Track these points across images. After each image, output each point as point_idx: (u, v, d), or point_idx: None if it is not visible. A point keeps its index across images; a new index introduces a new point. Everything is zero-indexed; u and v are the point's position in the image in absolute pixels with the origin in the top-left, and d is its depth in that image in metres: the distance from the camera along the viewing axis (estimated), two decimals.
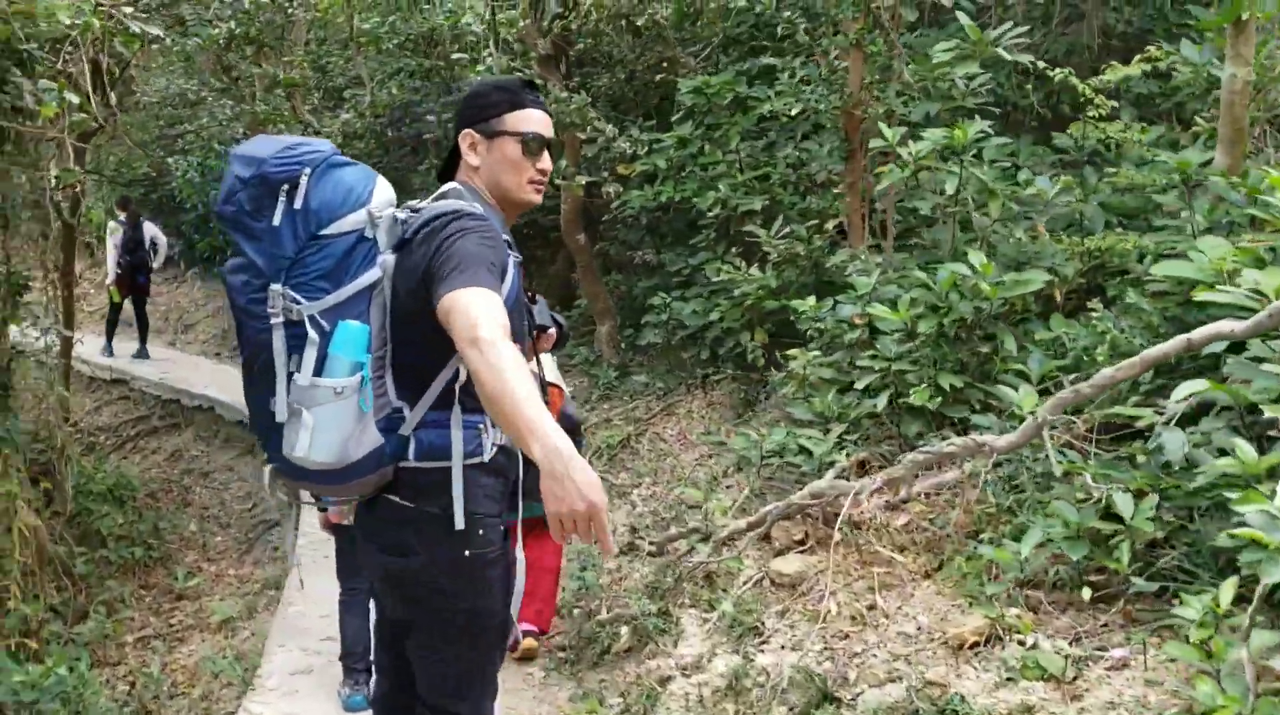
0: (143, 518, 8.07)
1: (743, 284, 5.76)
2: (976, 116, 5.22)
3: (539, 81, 6.89)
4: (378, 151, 12.20)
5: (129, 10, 5.82)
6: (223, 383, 11.44)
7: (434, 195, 2.39)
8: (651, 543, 4.85)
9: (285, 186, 2.19)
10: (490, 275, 2.13)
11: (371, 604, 2.74)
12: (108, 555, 7.48)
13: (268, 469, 2.34)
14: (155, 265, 12.40)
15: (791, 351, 5.15)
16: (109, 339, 12.49)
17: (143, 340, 12.53)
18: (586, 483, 1.80)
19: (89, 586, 7.21)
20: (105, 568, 7.44)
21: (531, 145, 2.40)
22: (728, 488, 5.26)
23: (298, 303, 2.17)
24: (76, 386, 13.39)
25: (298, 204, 2.19)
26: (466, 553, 2.25)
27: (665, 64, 8.29)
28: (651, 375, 7.10)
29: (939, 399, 4.46)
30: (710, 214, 6.32)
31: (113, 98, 9.29)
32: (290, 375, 2.17)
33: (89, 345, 13.43)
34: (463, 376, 2.25)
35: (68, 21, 4.20)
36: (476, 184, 2.41)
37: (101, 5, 4.77)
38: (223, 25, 7.58)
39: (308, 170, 2.20)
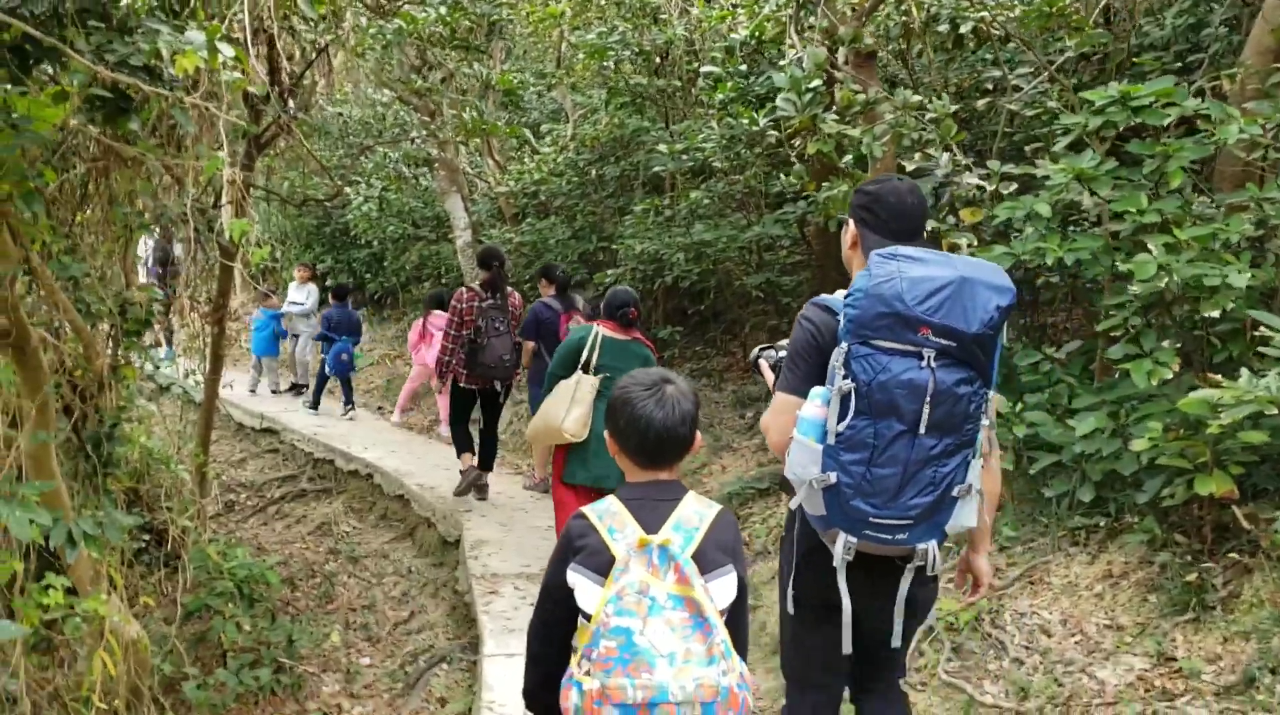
0: (275, 624, 6.32)
1: (1220, 399, 3.56)
2: None
3: (854, 87, 4.92)
4: (575, 191, 10.53)
5: None
6: (385, 444, 9.84)
7: None
8: None
9: None
10: None
11: None
12: (226, 678, 5.74)
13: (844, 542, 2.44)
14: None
15: None
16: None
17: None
18: None
19: None
20: (221, 693, 5.70)
21: None
22: None
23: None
24: (223, 433, 12.11)
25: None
26: None
27: (990, 87, 6.26)
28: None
29: None
30: (1136, 289, 4.16)
31: (290, 103, 7.84)
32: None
33: (241, 387, 12.17)
34: None
35: None
36: None
37: None
38: (430, 10, 5.95)
39: None
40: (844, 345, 2.36)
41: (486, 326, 6.86)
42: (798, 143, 4.93)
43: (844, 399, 2.33)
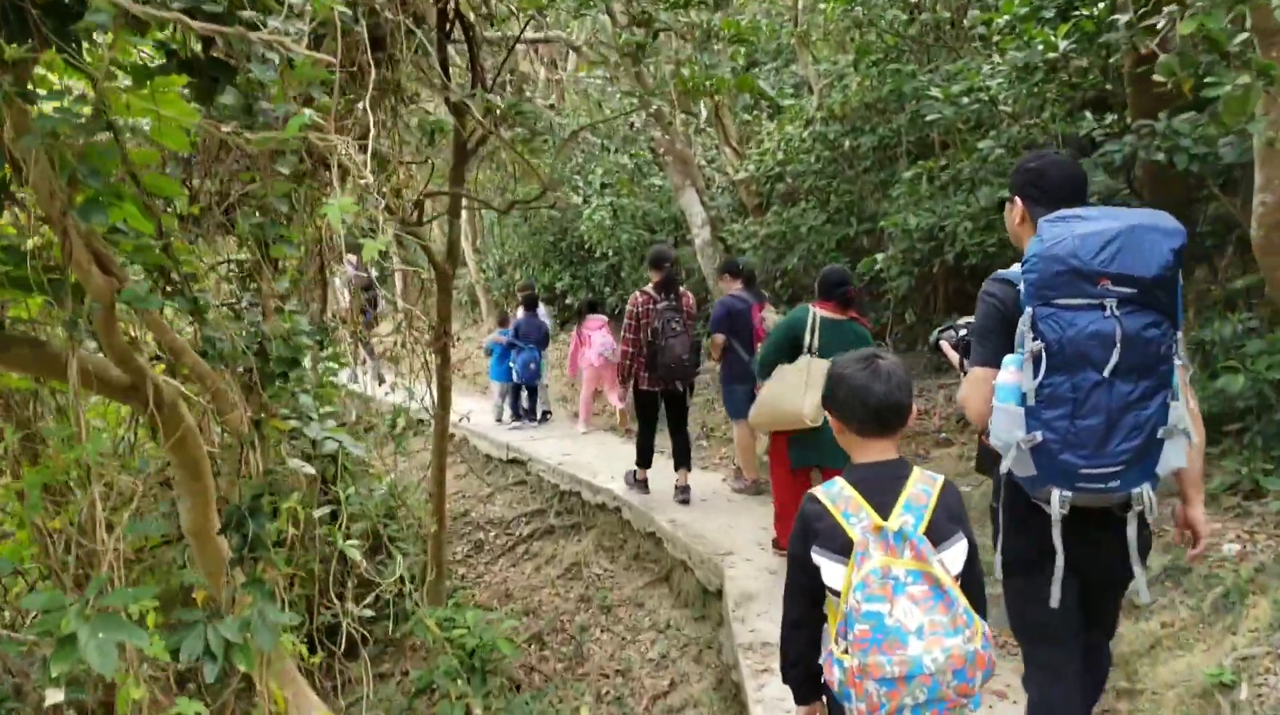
0: (513, 702, 5.37)
1: None
2: None
3: None
4: (829, 167, 9.14)
5: None
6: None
7: None
8: None
9: None
10: None
11: None
12: None
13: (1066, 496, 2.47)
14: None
15: None
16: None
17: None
18: None
19: None
20: None
21: None
22: None
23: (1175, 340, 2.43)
24: (471, 463, 11.56)
25: None
26: None
27: None
28: None
29: None
30: None
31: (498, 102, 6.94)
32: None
33: (484, 416, 11.61)
34: None
35: None
36: None
37: None
38: None
39: None
40: (1028, 309, 2.42)
41: (663, 327, 6.97)
42: (1161, 25, 3.42)
43: (1036, 359, 2.41)
